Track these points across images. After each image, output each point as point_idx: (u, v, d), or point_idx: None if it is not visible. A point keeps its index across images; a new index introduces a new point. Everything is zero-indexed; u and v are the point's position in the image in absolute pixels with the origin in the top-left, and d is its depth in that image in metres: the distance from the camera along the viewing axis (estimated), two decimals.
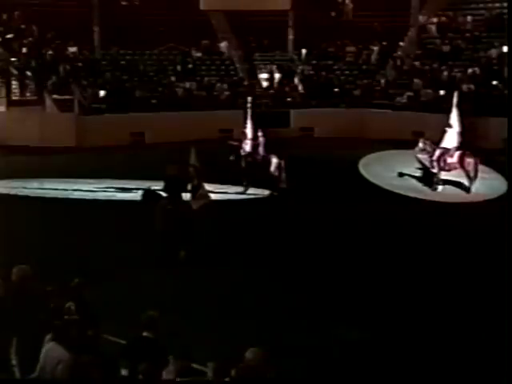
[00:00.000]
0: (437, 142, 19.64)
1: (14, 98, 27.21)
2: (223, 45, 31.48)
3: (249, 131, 19.94)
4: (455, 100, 19.45)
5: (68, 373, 6.27)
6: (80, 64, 28.85)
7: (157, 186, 15.12)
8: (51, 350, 6.51)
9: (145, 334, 7.33)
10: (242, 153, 19.80)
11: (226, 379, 6.28)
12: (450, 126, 19.39)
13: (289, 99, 29.46)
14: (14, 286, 7.47)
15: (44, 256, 12.72)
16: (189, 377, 6.73)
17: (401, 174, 20.60)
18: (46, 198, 18.93)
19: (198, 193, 14.25)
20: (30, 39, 28.94)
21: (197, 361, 7.24)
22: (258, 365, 6.26)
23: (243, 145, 19.95)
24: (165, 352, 7.03)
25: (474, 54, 28.59)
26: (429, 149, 19.73)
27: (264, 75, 30.55)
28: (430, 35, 30.83)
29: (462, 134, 19.40)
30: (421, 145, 19.92)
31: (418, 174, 20.40)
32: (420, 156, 20.24)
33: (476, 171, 19.20)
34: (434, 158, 19.59)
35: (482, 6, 30.64)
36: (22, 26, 29.25)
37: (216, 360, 6.47)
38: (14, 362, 6.79)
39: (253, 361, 6.28)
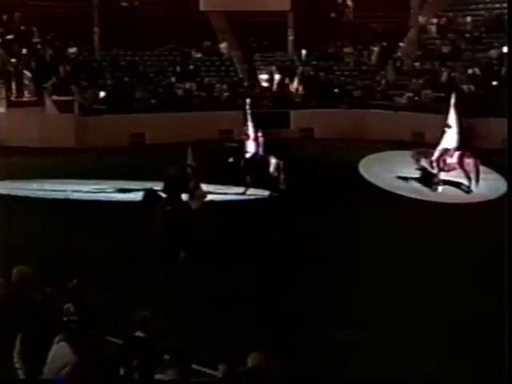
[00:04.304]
0: (436, 143, 19.68)
1: (13, 98, 27.18)
2: (223, 45, 31.47)
3: (248, 132, 19.96)
4: (453, 100, 19.49)
5: (73, 377, 6.27)
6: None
7: (157, 186, 15.15)
8: (60, 351, 6.51)
9: (138, 333, 7.34)
10: (242, 154, 19.82)
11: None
12: (448, 126, 19.41)
13: (290, 99, 29.49)
14: (13, 287, 7.46)
15: (44, 257, 12.71)
16: (189, 377, 6.73)
17: (402, 178, 20.56)
18: (46, 198, 18.93)
19: (195, 193, 14.27)
20: (31, 40, 28.94)
21: (196, 361, 7.24)
22: (260, 369, 6.26)
23: (243, 146, 19.97)
24: (159, 351, 7.05)
25: (475, 55, 28.58)
26: (427, 154, 19.74)
27: (264, 76, 30.54)
28: (429, 36, 30.84)
29: (461, 134, 19.42)
30: (416, 156, 19.98)
31: (417, 174, 20.37)
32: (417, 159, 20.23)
33: (477, 172, 19.20)
34: (434, 158, 19.60)
35: (481, 6, 30.64)
36: (22, 27, 29.24)
37: (226, 362, 6.48)
38: (16, 364, 6.77)
39: (255, 365, 6.29)
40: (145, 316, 7.47)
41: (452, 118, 19.35)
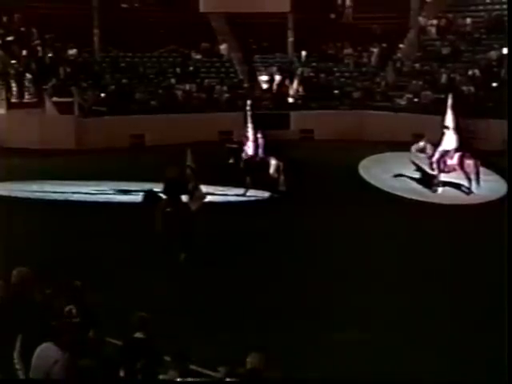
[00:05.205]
0: (436, 144, 19.69)
1: (13, 100, 27.19)
2: (223, 47, 31.49)
3: (249, 133, 19.97)
4: (450, 102, 19.50)
5: (65, 373, 6.27)
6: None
7: (157, 188, 15.14)
8: (46, 350, 6.51)
9: (137, 334, 7.34)
10: (242, 155, 19.82)
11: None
12: (446, 127, 19.42)
13: (290, 100, 29.52)
14: (13, 289, 7.46)
15: (44, 258, 12.71)
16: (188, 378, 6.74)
17: (402, 179, 20.60)
18: (46, 200, 18.93)
19: (195, 194, 14.27)
20: (31, 42, 28.96)
21: (196, 362, 7.26)
22: (260, 369, 6.28)
23: (243, 147, 19.97)
24: (159, 352, 7.06)
25: (474, 56, 28.59)
26: (428, 150, 19.77)
27: (264, 77, 30.56)
28: (429, 37, 30.85)
29: (460, 135, 19.44)
30: (421, 144, 19.95)
31: (417, 175, 20.38)
32: (417, 157, 20.25)
33: (478, 173, 19.21)
34: (434, 159, 19.61)
35: (481, 8, 30.65)
36: (22, 29, 29.25)
37: (226, 363, 6.50)
38: (17, 365, 6.78)
39: (254, 365, 6.30)
40: (143, 317, 7.47)
41: (449, 119, 19.37)
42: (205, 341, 9.77)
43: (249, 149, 19.83)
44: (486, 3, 30.65)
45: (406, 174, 20.71)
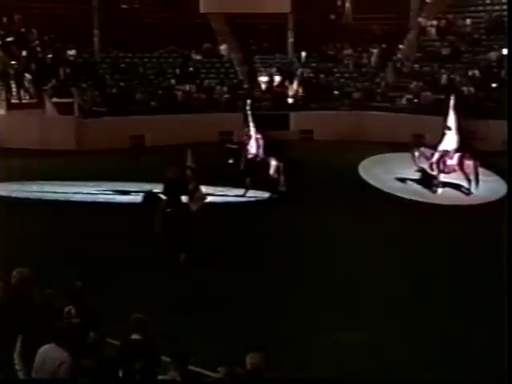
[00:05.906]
0: (436, 145, 19.71)
1: (13, 101, 27.19)
2: (223, 47, 31.50)
3: (251, 132, 19.96)
4: (452, 102, 19.52)
5: (70, 374, 6.29)
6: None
7: (157, 188, 15.15)
8: (51, 352, 6.51)
9: (134, 336, 7.33)
10: (242, 155, 19.81)
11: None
12: (448, 128, 19.43)
13: (289, 101, 29.54)
14: (13, 289, 7.46)
15: (44, 259, 12.71)
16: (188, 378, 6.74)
17: (402, 180, 20.61)
18: (46, 200, 18.93)
19: (195, 195, 14.27)
20: (31, 42, 28.97)
21: (196, 363, 7.26)
22: (259, 369, 6.28)
23: (244, 147, 19.97)
24: (156, 353, 7.06)
25: (474, 57, 28.60)
26: (427, 154, 19.81)
27: (264, 78, 30.57)
28: (429, 38, 30.86)
29: (461, 136, 19.46)
30: (416, 153, 20.02)
31: (417, 176, 20.39)
32: (417, 160, 20.28)
33: (477, 174, 19.22)
34: (434, 160, 19.62)
35: (481, 8, 30.67)
36: (22, 30, 29.26)
37: (226, 363, 6.50)
38: (17, 365, 6.78)
39: (254, 365, 6.30)
40: (139, 318, 7.46)
41: (451, 120, 19.39)
42: (205, 341, 9.78)
43: (251, 148, 19.82)
44: (485, 4, 30.66)
45: (407, 174, 20.71)
